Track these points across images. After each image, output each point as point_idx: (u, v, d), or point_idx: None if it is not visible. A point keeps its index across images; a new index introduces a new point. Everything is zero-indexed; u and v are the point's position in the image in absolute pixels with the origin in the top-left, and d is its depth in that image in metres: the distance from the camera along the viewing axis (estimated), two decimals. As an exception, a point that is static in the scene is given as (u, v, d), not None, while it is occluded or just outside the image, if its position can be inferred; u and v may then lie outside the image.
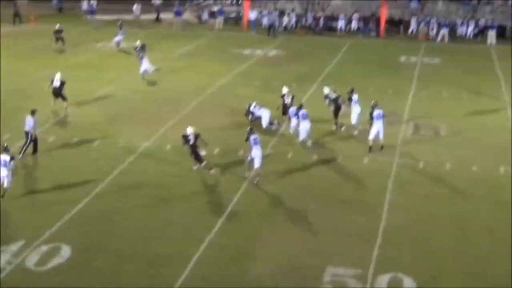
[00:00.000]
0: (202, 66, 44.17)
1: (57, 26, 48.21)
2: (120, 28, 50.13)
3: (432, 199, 24.85)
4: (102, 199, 24.37)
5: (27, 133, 28.11)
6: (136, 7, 59.35)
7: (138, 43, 43.34)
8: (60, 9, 66.15)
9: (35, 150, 28.32)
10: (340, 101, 31.85)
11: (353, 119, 31.76)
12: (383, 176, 26.63)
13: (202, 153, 27.09)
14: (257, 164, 25.99)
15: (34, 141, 28.28)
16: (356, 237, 21.82)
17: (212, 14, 60.71)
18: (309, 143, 29.86)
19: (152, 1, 62.59)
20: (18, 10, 59.62)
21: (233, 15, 61.25)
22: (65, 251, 20.62)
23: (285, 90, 32.83)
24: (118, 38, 49.70)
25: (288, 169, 27.39)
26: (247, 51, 49.16)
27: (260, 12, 58.91)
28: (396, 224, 22.78)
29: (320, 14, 58.63)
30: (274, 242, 21.52)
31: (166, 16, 61.30)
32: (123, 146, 29.08)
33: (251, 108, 31.77)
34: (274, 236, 21.85)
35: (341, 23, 57.75)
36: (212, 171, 26.82)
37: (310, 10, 59.77)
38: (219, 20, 58.45)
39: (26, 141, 27.95)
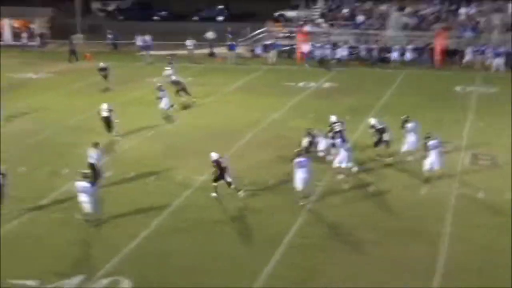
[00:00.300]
0: (256, 100, 44.45)
1: (101, 64, 48.73)
2: (170, 63, 50.79)
3: (493, 229, 24.58)
4: (159, 233, 24.60)
5: (92, 165, 28.59)
6: (189, 42, 60.03)
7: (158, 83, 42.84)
8: (115, 46, 67.23)
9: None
10: (385, 131, 31.87)
11: (405, 147, 31.74)
12: (441, 206, 26.44)
13: (228, 178, 27.57)
14: (299, 186, 26.61)
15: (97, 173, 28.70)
16: (415, 269, 21.66)
17: (266, 48, 61.13)
18: (354, 169, 29.93)
19: (205, 36, 63.25)
20: (74, 48, 60.78)
21: (286, 48, 61.58)
22: (125, 285, 20.86)
23: (333, 118, 32.99)
24: (168, 72, 50.31)
25: (345, 199, 27.41)
26: (300, 84, 49.36)
27: (314, 45, 59.12)
28: (456, 255, 22.56)
29: (373, 45, 58.65)
30: (332, 275, 21.47)
31: (219, 50, 61.90)
32: (180, 181, 29.36)
33: (312, 133, 31.76)
34: (331, 269, 21.80)
35: (395, 54, 57.64)
36: (241, 193, 27.41)
37: (363, 42, 59.79)
38: (273, 53, 58.81)
39: (94, 173, 28.28)
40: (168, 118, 39.35)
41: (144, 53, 60.40)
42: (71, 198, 27.67)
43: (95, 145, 29.11)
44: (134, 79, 51.50)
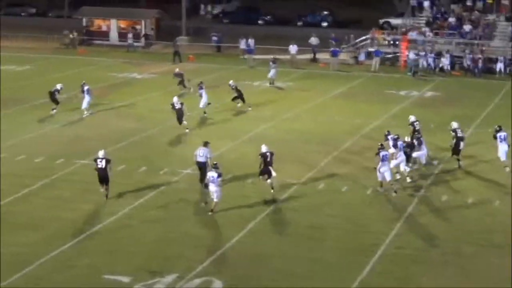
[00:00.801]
0: (357, 106, 44.21)
1: (176, 70, 49.07)
2: (274, 62, 50.97)
3: None
4: (253, 236, 24.71)
5: (200, 163, 29.05)
6: (292, 47, 60.14)
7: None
8: (219, 48, 67.93)
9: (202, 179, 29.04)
10: (463, 140, 31.82)
11: (502, 157, 31.40)
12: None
13: (274, 173, 28.58)
14: (388, 177, 28.38)
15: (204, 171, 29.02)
16: (513, 285, 21.19)
17: (369, 55, 60.72)
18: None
19: (309, 41, 63.26)
20: (178, 49, 61.67)
21: (390, 55, 61.03)
22: (217, 286, 21.02)
23: (413, 118, 33.97)
24: (271, 73, 50.64)
25: (442, 210, 27.04)
26: (402, 92, 48.84)
27: (417, 53, 58.40)
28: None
29: (478, 55, 57.51)
30: (427, 287, 21.17)
31: (322, 56, 61.78)
32: (276, 185, 29.43)
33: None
34: (426, 281, 21.49)
35: (500, 65, 56.39)
36: (273, 191, 28.54)
37: (468, 51, 58.70)
38: (376, 60, 58.38)
39: (203, 172, 28.73)
40: (272, 122, 39.52)
41: (247, 56, 60.77)
42: (168, 197, 28.20)
43: (206, 144, 29.47)
44: (236, 81, 51.79)
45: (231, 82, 43.75)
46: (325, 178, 30.42)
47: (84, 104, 41.41)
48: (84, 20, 72.61)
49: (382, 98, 46.91)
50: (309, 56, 62.72)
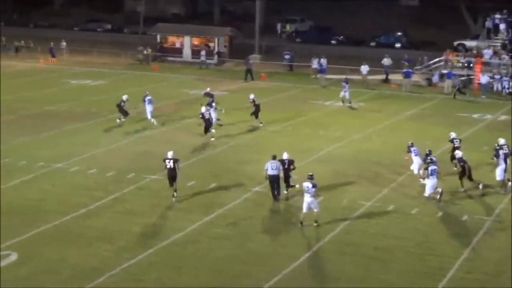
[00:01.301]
0: (428, 128, 43.89)
1: (208, 90, 48.91)
2: (346, 82, 51.02)
3: None
4: (320, 256, 24.76)
5: (271, 177, 29.89)
6: (363, 67, 60.03)
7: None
8: (291, 67, 68.18)
9: (274, 193, 30.21)
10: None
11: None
12: None
13: (290, 179, 30.50)
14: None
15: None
16: None
17: (442, 77, 60.21)
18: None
19: (382, 62, 63.06)
20: (250, 67, 62.13)
21: (463, 78, 60.40)
22: (282, 304, 21.15)
23: (453, 135, 35.15)
24: (344, 93, 50.68)
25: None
26: (475, 115, 48.32)
27: (492, 76, 57.71)
28: None
29: (556, 79, 56.53)
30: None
31: (395, 77, 61.51)
32: (345, 204, 29.45)
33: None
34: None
35: None
36: (297, 186, 30.00)
37: (545, 75, 57.75)
38: (448, 83, 57.83)
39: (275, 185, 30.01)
40: (343, 141, 39.53)
41: (319, 76, 60.83)
42: (236, 214, 28.43)
43: (275, 157, 30.24)
44: (307, 101, 52.08)
45: (251, 96, 44.44)
46: (394, 200, 30.33)
47: (148, 115, 42.54)
48: (158, 36, 73.73)
49: (454, 120, 46.46)
50: (381, 77, 62.50)
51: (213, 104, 43.05)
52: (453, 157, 33.07)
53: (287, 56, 69.36)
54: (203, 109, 40.54)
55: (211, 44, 71.76)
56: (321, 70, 60.91)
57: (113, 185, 31.84)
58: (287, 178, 30.49)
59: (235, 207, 29.48)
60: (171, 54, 72.25)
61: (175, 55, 72.00)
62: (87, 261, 23.81)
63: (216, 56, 70.65)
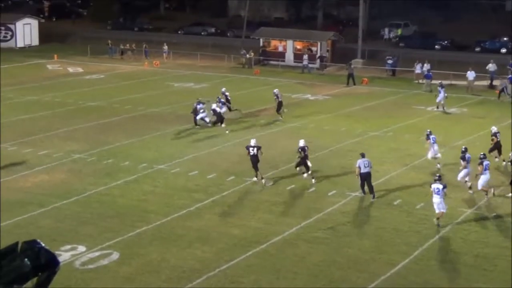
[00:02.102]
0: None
1: (223, 89, 48.55)
2: (441, 86, 50.28)
3: None
4: (419, 263, 24.46)
5: (364, 174, 30.89)
6: (470, 73, 58.94)
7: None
8: (393, 72, 67.60)
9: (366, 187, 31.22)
10: None
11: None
12: None
13: (309, 163, 32.73)
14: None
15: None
16: None
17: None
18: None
19: (487, 67, 61.86)
20: (352, 72, 61.86)
21: None
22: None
23: (494, 129, 36.80)
24: (439, 97, 49.99)
25: None
26: None
27: None
28: None
29: None
30: None
31: (500, 83, 60.16)
32: (446, 211, 29.03)
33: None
34: None
35: None
36: (314, 180, 32.22)
37: None
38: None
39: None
40: (445, 147, 39.01)
41: (423, 81, 60.09)
42: (335, 219, 28.37)
43: (363, 155, 31.35)
44: (409, 106, 51.58)
45: (275, 90, 46.55)
46: (497, 208, 29.77)
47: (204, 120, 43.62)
48: (261, 40, 74.23)
49: None
50: (486, 82, 61.32)
51: (222, 100, 45.45)
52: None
53: (389, 61, 68.76)
54: (213, 105, 43.61)
55: (314, 48, 71.80)
56: (427, 76, 60.03)
57: (213, 187, 32.23)
58: (305, 162, 32.94)
59: (334, 212, 29.45)
60: (273, 58, 72.62)
61: (277, 59, 72.33)
62: (187, 262, 24.16)
63: (318, 61, 70.65)
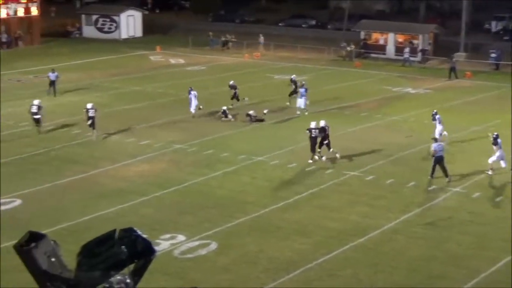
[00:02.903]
0: None
1: (231, 82, 47.73)
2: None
3: None
4: (522, 261, 23.92)
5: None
6: None
7: None
8: (497, 66, 66.05)
9: None
10: None
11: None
12: None
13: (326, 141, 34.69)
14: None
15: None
16: None
17: None
18: None
19: None
20: (455, 65, 60.71)
21: None
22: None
23: None
24: None
25: None
26: None
27: None
28: None
29: None
30: None
31: None
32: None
33: None
34: None
35: None
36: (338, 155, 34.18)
37: None
38: None
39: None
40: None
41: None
42: (435, 214, 27.95)
43: (435, 140, 32.45)
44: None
45: (293, 76, 48.98)
46: None
47: (192, 107, 43.62)
48: (362, 33, 73.56)
49: None
50: None
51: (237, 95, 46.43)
52: None
53: (493, 55, 67.15)
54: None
55: (415, 41, 70.72)
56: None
57: (311, 180, 32.17)
58: (327, 140, 34.75)
59: (434, 207, 29.04)
60: (374, 51, 71.89)
61: (378, 52, 71.59)
62: (284, 253, 24.19)
63: (420, 54, 69.60)
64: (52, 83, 49.94)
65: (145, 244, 3.69)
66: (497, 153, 32.76)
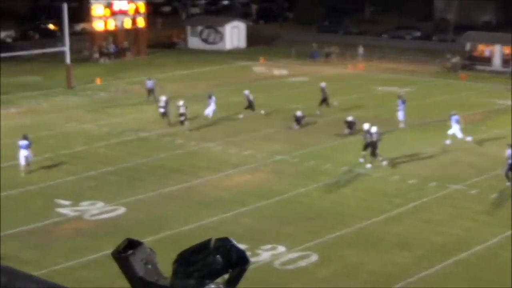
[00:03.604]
0: None
1: (246, 92, 48.20)
2: None
3: None
4: None
5: None
6: None
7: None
8: None
9: None
10: None
11: None
12: None
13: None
14: None
15: None
16: None
17: None
18: None
19: None
20: None
21: None
22: None
23: None
24: None
25: None
26: None
27: None
28: None
29: None
30: None
31: None
32: None
33: None
34: None
35: None
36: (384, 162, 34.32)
37: None
38: None
39: None
40: None
41: None
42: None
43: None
44: None
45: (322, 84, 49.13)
46: None
47: (208, 111, 45.61)
48: (467, 45, 72.31)
49: None
50: None
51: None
52: None
53: None
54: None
55: (520, 53, 69.12)
56: None
57: (414, 193, 31.77)
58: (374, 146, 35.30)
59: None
60: (480, 63, 70.54)
61: (484, 63, 70.21)
62: (385, 266, 23.95)
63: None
64: (151, 91, 51.41)
65: (240, 254, 3.72)
66: None
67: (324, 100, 48.05)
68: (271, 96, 54.56)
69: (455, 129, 39.05)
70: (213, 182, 33.60)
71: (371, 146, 35.65)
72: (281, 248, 25.52)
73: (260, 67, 70.59)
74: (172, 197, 31.39)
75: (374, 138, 35.80)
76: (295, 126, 43.21)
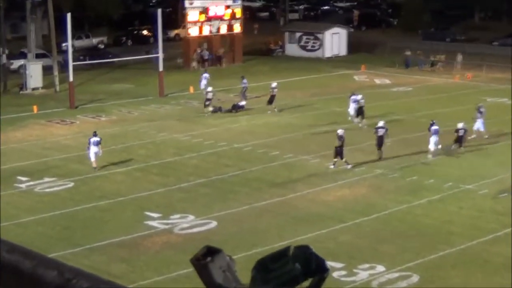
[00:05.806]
0: None
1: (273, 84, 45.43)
2: None
3: None
4: None
5: None
6: None
7: None
8: None
9: None
10: None
11: None
12: None
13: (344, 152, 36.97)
14: None
15: None
16: None
17: None
18: None
19: None
20: None
21: None
22: None
23: None
24: None
25: None
26: None
27: None
28: None
29: None
30: None
31: None
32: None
33: None
34: None
35: None
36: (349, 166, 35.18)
37: None
38: None
39: None
40: None
41: None
42: None
43: None
44: None
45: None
46: None
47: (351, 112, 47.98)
48: None
49: None
50: None
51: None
52: None
53: None
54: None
55: None
56: None
57: None
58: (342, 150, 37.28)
59: None
60: None
61: None
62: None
63: None
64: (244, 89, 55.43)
65: (319, 262, 3.74)
66: None
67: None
68: (372, 106, 54.16)
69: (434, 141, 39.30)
70: (309, 196, 33.59)
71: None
72: (380, 268, 25.33)
73: (361, 76, 70.25)
74: (266, 211, 31.52)
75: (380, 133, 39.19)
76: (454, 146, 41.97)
